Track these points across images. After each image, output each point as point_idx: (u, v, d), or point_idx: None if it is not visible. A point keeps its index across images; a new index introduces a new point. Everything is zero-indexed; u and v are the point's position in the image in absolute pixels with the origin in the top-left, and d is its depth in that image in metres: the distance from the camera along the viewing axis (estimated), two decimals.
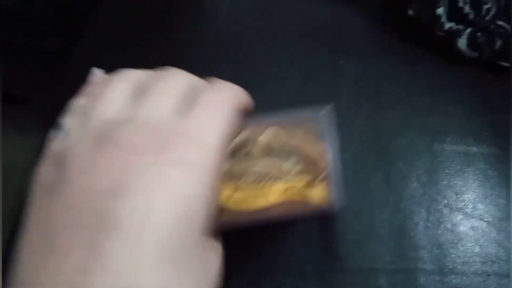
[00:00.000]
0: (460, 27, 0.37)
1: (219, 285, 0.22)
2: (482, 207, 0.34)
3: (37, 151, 0.46)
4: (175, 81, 0.23)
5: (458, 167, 0.36)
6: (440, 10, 0.37)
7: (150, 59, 0.46)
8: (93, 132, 0.20)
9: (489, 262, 0.33)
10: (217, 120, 0.21)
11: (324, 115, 0.26)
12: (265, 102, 0.41)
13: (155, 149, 0.18)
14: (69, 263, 0.16)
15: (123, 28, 0.50)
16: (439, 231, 0.34)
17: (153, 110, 0.20)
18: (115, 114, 0.21)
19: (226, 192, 0.23)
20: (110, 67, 0.47)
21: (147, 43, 0.47)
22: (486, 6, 0.36)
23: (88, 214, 0.17)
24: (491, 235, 0.33)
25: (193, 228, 0.18)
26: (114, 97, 0.22)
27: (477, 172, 0.35)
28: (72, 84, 0.49)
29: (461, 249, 0.33)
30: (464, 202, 0.34)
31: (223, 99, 0.22)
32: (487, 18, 0.36)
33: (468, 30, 0.37)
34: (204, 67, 0.44)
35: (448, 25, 0.38)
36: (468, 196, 0.35)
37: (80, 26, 0.52)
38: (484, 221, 0.34)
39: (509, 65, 0.38)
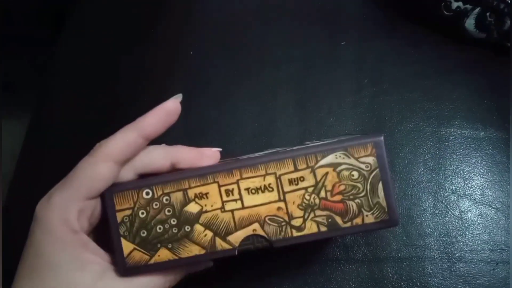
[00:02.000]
0: (468, 6, 0.36)
1: None
2: (491, 193, 0.33)
3: (24, 136, 0.44)
4: None
5: (466, 152, 0.34)
6: None
7: (141, 44, 0.44)
8: None
9: (498, 250, 0.32)
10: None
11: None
12: (263, 88, 0.39)
13: None
14: None
15: (108, 18, 0.48)
16: (447, 218, 0.33)
17: None
18: None
19: None
20: (95, 57, 0.45)
21: (135, 29, 0.45)
22: None
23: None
24: (500, 222, 0.32)
25: None
26: None
27: (485, 157, 0.34)
28: (56, 71, 0.47)
29: (469, 236, 0.32)
30: (472, 188, 0.33)
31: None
32: None
33: (477, 9, 0.36)
34: (198, 53, 0.42)
35: (455, 4, 0.36)
36: (476, 182, 0.34)
37: (65, 14, 0.50)
38: (493, 207, 0.33)
39: None
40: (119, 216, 0.24)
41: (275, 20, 0.42)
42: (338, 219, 0.23)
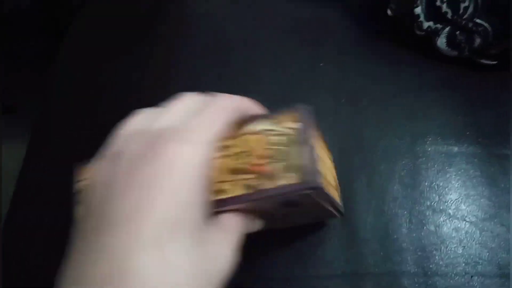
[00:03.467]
0: (439, 26, 0.37)
1: (226, 275, 0.23)
2: (465, 207, 0.34)
3: (25, 158, 0.46)
4: (191, 100, 0.27)
5: (440, 168, 0.35)
6: (418, 10, 0.37)
7: (133, 62, 0.46)
8: (113, 148, 0.24)
9: (473, 263, 0.32)
10: (207, 123, 0.24)
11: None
12: None
13: (151, 152, 0.22)
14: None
15: (105, 33, 0.50)
16: (422, 233, 0.34)
17: (163, 122, 0.24)
18: (136, 127, 0.25)
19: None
20: (93, 70, 0.47)
21: (129, 46, 0.47)
22: (463, 5, 0.36)
23: (97, 215, 0.21)
24: (474, 235, 0.33)
25: (190, 213, 0.21)
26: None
27: (459, 172, 0.35)
28: (56, 89, 0.49)
29: (445, 250, 0.33)
30: (446, 203, 0.34)
31: (216, 107, 0.25)
32: (465, 16, 0.36)
33: (447, 28, 0.37)
34: (187, 71, 0.43)
35: (426, 24, 0.37)
36: (451, 196, 0.34)
37: (63, 28, 0.51)
38: (467, 221, 0.34)
39: (490, 62, 0.37)
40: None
41: (260, 41, 0.43)
42: (265, 182, 0.24)
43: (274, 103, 0.41)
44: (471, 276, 0.32)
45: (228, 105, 0.26)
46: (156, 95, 0.42)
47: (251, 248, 0.35)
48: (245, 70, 0.43)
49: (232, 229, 0.25)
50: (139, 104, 0.42)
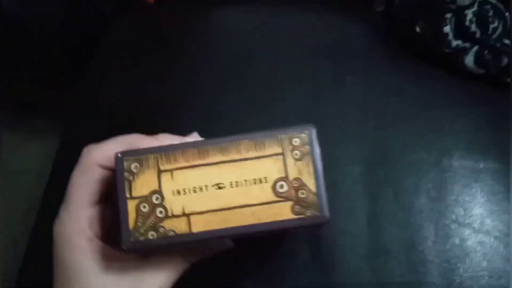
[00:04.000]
0: (467, 45, 0.38)
1: None
2: (490, 222, 0.35)
3: (56, 158, 0.47)
4: None
5: (466, 183, 0.36)
6: (447, 28, 0.38)
7: (158, 78, 0.47)
8: None
9: (496, 277, 0.33)
10: (72, 190, 0.26)
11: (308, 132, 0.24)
12: (273, 121, 0.42)
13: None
14: None
15: (132, 48, 0.51)
16: (447, 246, 0.35)
17: None
18: None
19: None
20: (120, 85, 0.48)
21: (155, 63, 0.48)
22: (492, 25, 0.37)
23: None
24: (499, 250, 0.34)
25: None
26: None
27: (485, 188, 0.36)
28: (81, 97, 0.51)
29: (469, 263, 0.34)
30: (472, 217, 0.35)
31: (79, 166, 0.27)
32: (494, 36, 0.37)
33: (475, 48, 0.38)
34: (210, 88, 0.45)
35: (455, 42, 0.39)
36: (476, 211, 0.35)
37: (92, 45, 0.53)
38: (491, 236, 0.34)
39: None
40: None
41: (285, 57, 0.45)
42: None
43: (300, 117, 0.42)
44: None
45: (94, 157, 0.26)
46: (178, 110, 0.44)
47: (274, 257, 0.37)
48: (270, 85, 0.44)
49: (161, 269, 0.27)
50: (161, 114, 0.43)
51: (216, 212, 0.23)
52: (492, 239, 0.34)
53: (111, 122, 0.46)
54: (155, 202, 0.24)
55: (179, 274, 0.27)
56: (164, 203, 0.24)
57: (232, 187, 0.24)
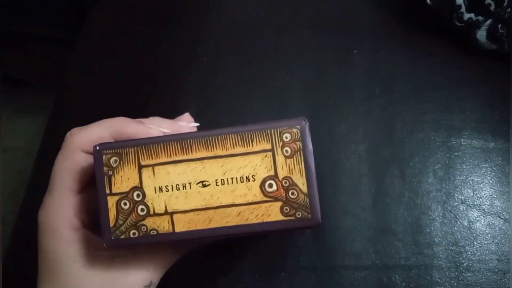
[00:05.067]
0: (480, 18, 0.36)
1: None
2: (500, 204, 0.34)
3: (44, 138, 0.45)
4: None
5: (476, 163, 0.35)
6: (459, 0, 0.36)
7: (155, 51, 0.45)
8: None
9: (506, 260, 0.32)
10: (55, 172, 0.25)
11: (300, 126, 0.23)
12: (275, 96, 0.40)
13: None
14: None
15: (126, 19, 0.49)
16: (455, 228, 0.33)
17: None
18: None
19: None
20: (112, 59, 0.46)
21: (151, 35, 0.46)
22: None
23: None
24: (508, 232, 0.33)
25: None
26: None
27: (495, 168, 0.35)
28: (72, 71, 0.49)
29: (477, 246, 0.33)
30: (481, 199, 0.34)
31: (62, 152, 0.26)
32: (509, 9, 0.35)
33: (488, 21, 0.36)
34: (211, 59, 0.43)
35: (467, 15, 0.37)
36: (485, 192, 0.34)
37: (83, 16, 0.51)
38: (501, 218, 0.33)
39: None
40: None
41: (288, 28, 0.42)
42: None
43: (303, 93, 0.40)
44: (504, 273, 0.32)
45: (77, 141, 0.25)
46: (173, 83, 0.42)
47: (275, 238, 0.35)
48: (271, 58, 0.42)
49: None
50: (157, 89, 0.42)
51: (200, 211, 0.22)
52: (501, 221, 0.33)
53: (102, 98, 0.44)
54: (136, 199, 0.22)
55: (169, 265, 0.26)
56: (145, 201, 0.22)
57: (217, 185, 0.22)
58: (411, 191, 0.34)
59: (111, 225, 0.22)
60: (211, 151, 0.22)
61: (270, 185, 0.22)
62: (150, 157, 0.22)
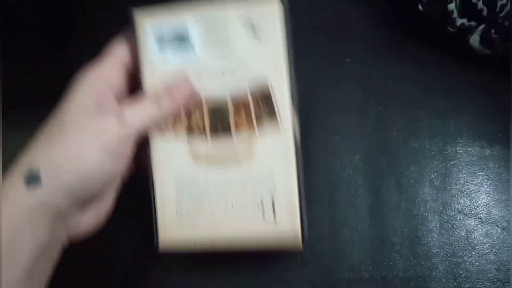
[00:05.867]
0: (473, 23, 0.36)
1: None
2: (497, 212, 0.33)
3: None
4: None
5: (472, 171, 0.35)
6: (451, 6, 0.36)
7: None
8: None
9: (505, 270, 0.32)
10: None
11: None
12: None
13: None
14: None
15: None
16: (453, 238, 0.33)
17: None
18: None
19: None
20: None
21: None
22: (500, 2, 0.34)
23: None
24: (506, 241, 0.33)
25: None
26: None
27: (491, 176, 0.34)
28: (58, 86, 0.48)
29: (476, 256, 0.32)
30: (478, 208, 0.34)
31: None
32: (502, 14, 0.35)
33: (481, 26, 0.36)
34: None
35: (460, 21, 0.36)
36: (482, 201, 0.34)
37: (69, 31, 0.50)
38: (499, 227, 0.33)
39: None
40: None
41: None
42: None
43: (299, 102, 0.40)
44: (503, 283, 0.32)
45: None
46: None
47: (273, 254, 0.35)
48: None
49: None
50: None
51: None
52: (499, 230, 0.33)
53: None
54: None
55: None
56: None
57: None
58: (407, 201, 0.34)
59: None
60: None
61: None
62: None
